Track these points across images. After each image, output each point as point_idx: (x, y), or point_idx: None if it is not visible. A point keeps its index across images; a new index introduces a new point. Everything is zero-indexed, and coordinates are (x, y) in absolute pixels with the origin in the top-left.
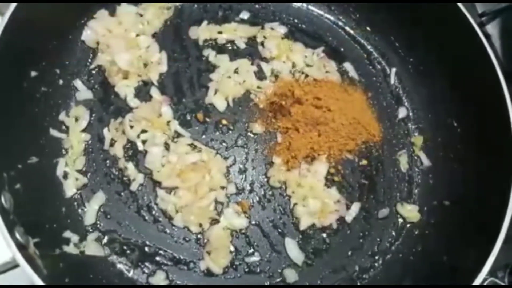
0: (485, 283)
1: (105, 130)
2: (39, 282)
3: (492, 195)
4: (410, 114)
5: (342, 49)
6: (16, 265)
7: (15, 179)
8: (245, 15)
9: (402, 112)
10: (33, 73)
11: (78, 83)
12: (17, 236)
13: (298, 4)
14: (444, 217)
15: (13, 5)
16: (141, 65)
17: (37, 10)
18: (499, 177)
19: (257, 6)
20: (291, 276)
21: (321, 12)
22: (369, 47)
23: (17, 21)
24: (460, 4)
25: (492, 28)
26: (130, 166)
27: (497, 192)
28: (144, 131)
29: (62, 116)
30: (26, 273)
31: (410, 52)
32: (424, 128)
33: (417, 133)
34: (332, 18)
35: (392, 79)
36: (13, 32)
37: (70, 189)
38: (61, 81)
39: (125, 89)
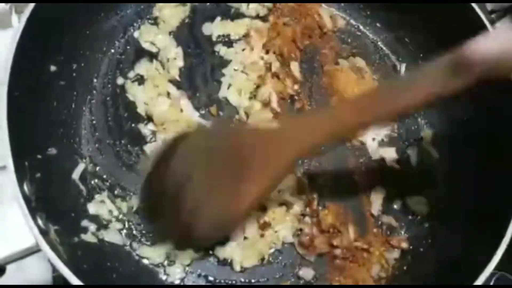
0: (494, 277)
1: None
2: (61, 266)
3: (503, 189)
4: None
5: (353, 45)
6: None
7: (35, 168)
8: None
9: None
10: (53, 68)
11: None
12: (39, 222)
13: None
14: (454, 210)
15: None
16: None
17: (56, 6)
18: (510, 172)
19: None
20: (307, 275)
21: (332, 9)
22: (379, 43)
23: (36, 18)
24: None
25: None
26: None
27: (507, 186)
28: None
29: None
30: (48, 258)
31: (421, 48)
32: (434, 123)
33: (427, 128)
34: (342, 14)
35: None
36: (33, 29)
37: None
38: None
39: None
